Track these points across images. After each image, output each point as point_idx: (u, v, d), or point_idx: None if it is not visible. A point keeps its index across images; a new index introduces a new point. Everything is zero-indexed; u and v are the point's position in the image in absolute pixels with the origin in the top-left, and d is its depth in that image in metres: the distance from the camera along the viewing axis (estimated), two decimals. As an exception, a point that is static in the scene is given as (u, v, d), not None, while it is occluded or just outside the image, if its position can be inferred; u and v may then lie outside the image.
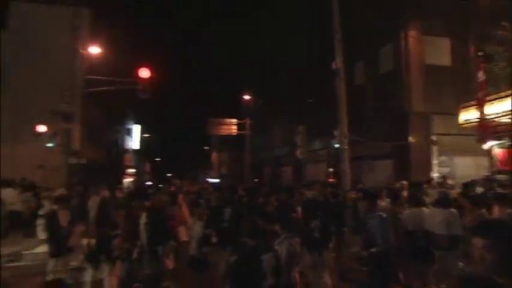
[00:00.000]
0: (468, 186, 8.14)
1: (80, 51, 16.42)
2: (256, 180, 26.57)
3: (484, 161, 12.44)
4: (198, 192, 12.61)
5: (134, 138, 39.57)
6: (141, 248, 5.61)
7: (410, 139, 14.59)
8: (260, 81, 30.18)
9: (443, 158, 14.53)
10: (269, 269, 3.61)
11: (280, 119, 27.17)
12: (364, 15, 16.19)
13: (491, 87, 10.93)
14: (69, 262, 5.85)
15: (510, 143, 10.95)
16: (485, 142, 11.38)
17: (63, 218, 5.95)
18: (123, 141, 36.16)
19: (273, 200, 7.80)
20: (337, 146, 11.85)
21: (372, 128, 15.57)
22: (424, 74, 14.84)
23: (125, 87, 17.60)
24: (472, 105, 11.50)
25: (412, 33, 14.99)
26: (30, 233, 10.47)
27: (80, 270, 6.03)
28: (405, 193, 8.27)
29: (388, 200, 7.48)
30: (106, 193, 9.56)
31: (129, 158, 36.97)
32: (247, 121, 27.44)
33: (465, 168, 13.54)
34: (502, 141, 11.43)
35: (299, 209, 7.25)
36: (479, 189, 8.53)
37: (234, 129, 27.83)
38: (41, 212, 10.57)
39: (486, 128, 10.96)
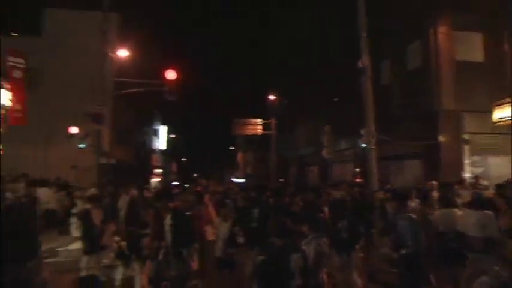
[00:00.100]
0: (502, 187, 7.84)
1: (109, 54, 16.84)
2: (281, 180, 26.53)
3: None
4: (224, 192, 12.73)
5: (161, 139, 40.29)
6: (166, 249, 5.66)
7: (440, 138, 14.18)
8: (285, 81, 30.11)
9: (476, 157, 14.05)
10: (297, 269, 3.61)
11: (305, 119, 27.01)
12: (391, 12, 15.88)
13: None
14: (101, 260, 6.03)
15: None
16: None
17: (96, 216, 6.15)
18: (150, 142, 36.91)
19: (298, 200, 7.79)
20: (363, 145, 11.68)
21: (399, 127, 15.24)
22: (454, 71, 14.39)
23: (152, 89, 17.97)
24: (507, 103, 11.09)
25: (442, 29, 14.57)
26: (64, 230, 10.87)
27: (111, 267, 6.20)
28: (435, 194, 8.06)
29: (417, 200, 7.32)
30: (135, 193, 9.81)
31: (156, 159, 37.69)
32: (273, 121, 27.42)
33: (500, 168, 13.01)
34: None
35: (326, 209, 7.20)
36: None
37: (259, 129, 27.87)
38: (74, 211, 10.97)
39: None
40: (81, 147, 17.25)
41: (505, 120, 11.35)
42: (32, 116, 15.46)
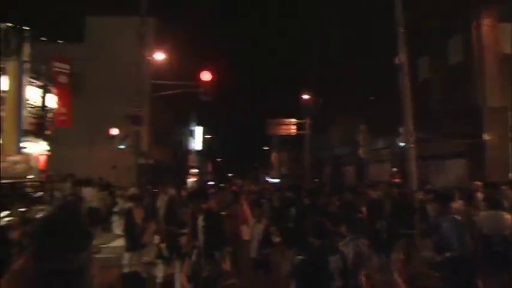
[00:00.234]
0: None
1: (147, 58, 17.35)
2: (316, 180, 26.29)
3: None
4: (259, 192, 12.78)
5: (197, 140, 41.00)
6: (199, 249, 5.70)
7: (486, 136, 13.52)
8: (319, 79, 29.79)
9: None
10: (336, 270, 3.57)
11: (340, 118, 26.61)
12: (429, 6, 15.32)
13: None
14: (142, 257, 6.21)
15: None
16: None
17: (138, 215, 6.34)
18: (186, 142, 37.66)
19: (334, 200, 7.69)
20: (402, 144, 11.36)
21: (439, 125, 14.68)
22: (500, 65, 13.68)
23: (188, 91, 18.36)
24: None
25: (486, 21, 13.89)
26: (107, 228, 11.33)
27: (152, 265, 6.39)
28: (479, 195, 7.71)
29: (460, 201, 7.03)
30: (173, 192, 10.05)
31: (192, 159, 38.41)
32: (307, 121, 27.23)
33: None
34: None
35: (364, 209, 7.06)
36: None
37: (293, 129, 27.75)
38: (115, 209, 11.39)
39: None
40: (121, 148, 17.88)
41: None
42: (75, 118, 16.20)
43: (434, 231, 4.97)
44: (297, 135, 28.30)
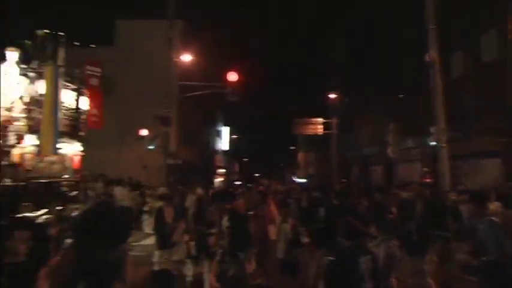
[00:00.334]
0: None
1: (174, 59, 17.68)
2: (343, 180, 25.95)
3: None
4: (287, 192, 12.75)
5: (224, 140, 41.35)
6: (223, 249, 5.72)
7: (522, 134, 12.95)
8: (346, 78, 29.41)
9: None
10: (367, 272, 3.51)
11: (368, 117, 26.14)
12: (461, 1, 14.83)
13: None
14: (172, 255, 6.33)
15: None
16: None
17: (168, 214, 6.47)
18: (214, 142, 38.05)
19: (363, 201, 7.56)
20: (433, 143, 11.05)
21: (473, 123, 14.17)
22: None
23: (215, 91, 18.56)
24: None
25: (523, 15, 13.29)
26: (137, 226, 11.60)
27: (181, 263, 6.49)
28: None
29: (497, 203, 6.75)
30: (201, 192, 10.18)
31: (219, 159, 38.77)
32: (334, 120, 26.93)
33: None
34: None
35: (394, 210, 6.90)
36: None
37: (320, 128, 27.53)
38: (145, 208, 11.66)
39: None
40: (150, 149, 18.28)
41: None
42: (106, 120, 16.68)
43: (469, 234, 4.80)
44: (324, 134, 28.03)
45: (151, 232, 7.64)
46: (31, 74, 9.65)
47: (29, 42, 9.93)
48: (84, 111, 12.83)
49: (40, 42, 9.88)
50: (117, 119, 20.63)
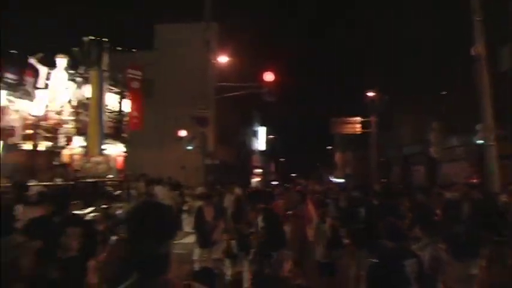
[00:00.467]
0: None
1: (212, 61, 17.97)
2: (383, 180, 25.26)
3: None
4: (324, 192, 12.59)
5: (260, 140, 41.47)
6: (257, 249, 5.71)
7: None
8: (385, 75, 28.57)
9: None
10: (412, 275, 3.40)
11: (408, 115, 25.29)
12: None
13: None
14: (212, 254, 6.43)
15: None
16: None
17: (208, 213, 6.58)
18: (250, 142, 38.27)
19: (404, 201, 7.33)
20: (479, 142, 10.50)
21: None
22: None
23: (252, 91, 18.68)
24: None
25: None
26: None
27: (221, 262, 6.58)
28: None
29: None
30: (239, 192, 10.28)
31: (256, 159, 38.94)
32: (373, 119, 26.29)
33: None
34: None
35: (438, 212, 6.63)
36: None
37: (358, 127, 26.99)
38: (184, 208, 11.91)
39: None
40: (188, 149, 18.67)
41: None
42: (146, 121, 17.21)
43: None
44: (362, 134, 27.44)
45: (191, 231, 7.79)
46: (78, 79, 10.16)
47: (76, 49, 10.46)
48: (126, 114, 13.31)
49: (86, 49, 10.38)
50: (157, 120, 21.22)
